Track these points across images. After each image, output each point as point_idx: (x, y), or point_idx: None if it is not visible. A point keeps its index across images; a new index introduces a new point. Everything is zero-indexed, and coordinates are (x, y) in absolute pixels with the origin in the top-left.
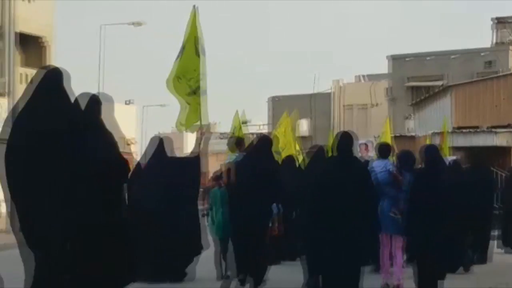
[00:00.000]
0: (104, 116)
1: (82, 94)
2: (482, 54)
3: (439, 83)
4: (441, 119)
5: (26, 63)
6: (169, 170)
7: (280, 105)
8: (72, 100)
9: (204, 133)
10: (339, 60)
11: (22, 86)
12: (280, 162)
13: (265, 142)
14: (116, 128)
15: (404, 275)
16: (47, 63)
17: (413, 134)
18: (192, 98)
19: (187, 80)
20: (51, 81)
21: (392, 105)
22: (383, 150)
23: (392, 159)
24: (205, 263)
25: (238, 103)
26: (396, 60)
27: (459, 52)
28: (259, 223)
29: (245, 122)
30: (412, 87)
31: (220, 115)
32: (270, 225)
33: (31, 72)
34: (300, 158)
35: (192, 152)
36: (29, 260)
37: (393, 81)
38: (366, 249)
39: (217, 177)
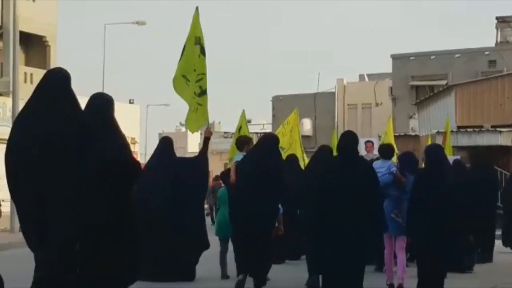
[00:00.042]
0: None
1: (95, 94)
2: (486, 53)
3: (442, 82)
4: (445, 118)
5: (29, 63)
6: (177, 170)
7: (283, 104)
8: (76, 100)
9: (210, 133)
10: (343, 59)
11: (25, 85)
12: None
13: (270, 140)
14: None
15: (407, 275)
16: (50, 62)
17: (416, 133)
18: (202, 98)
19: (196, 80)
20: (59, 82)
21: (395, 104)
22: (386, 151)
23: (395, 160)
24: (205, 263)
25: (240, 102)
26: (400, 59)
27: (463, 51)
28: (262, 223)
29: (248, 121)
30: (416, 86)
31: (222, 115)
32: (276, 224)
33: (34, 71)
34: (305, 158)
35: (200, 152)
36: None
37: (396, 80)
38: (369, 248)
39: (217, 176)
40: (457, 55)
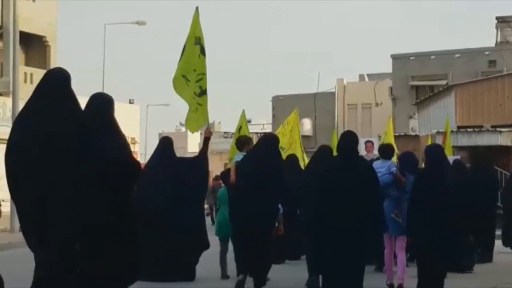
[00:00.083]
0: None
1: (95, 94)
2: (486, 53)
3: (442, 82)
4: (445, 118)
5: (29, 63)
6: (177, 170)
7: (283, 104)
8: (76, 100)
9: (210, 133)
10: (343, 59)
11: (25, 85)
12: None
13: (270, 140)
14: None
15: (407, 275)
16: (50, 62)
17: (416, 133)
18: (202, 98)
19: (196, 80)
20: (59, 82)
21: (395, 104)
22: (386, 151)
23: (395, 160)
24: (205, 263)
25: (240, 102)
26: (400, 59)
27: (463, 51)
28: (262, 223)
29: (248, 121)
30: (416, 86)
31: (222, 115)
32: (276, 224)
33: (34, 71)
34: (305, 158)
35: (200, 152)
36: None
37: (396, 80)
38: (369, 248)
39: (217, 176)
40: (457, 55)
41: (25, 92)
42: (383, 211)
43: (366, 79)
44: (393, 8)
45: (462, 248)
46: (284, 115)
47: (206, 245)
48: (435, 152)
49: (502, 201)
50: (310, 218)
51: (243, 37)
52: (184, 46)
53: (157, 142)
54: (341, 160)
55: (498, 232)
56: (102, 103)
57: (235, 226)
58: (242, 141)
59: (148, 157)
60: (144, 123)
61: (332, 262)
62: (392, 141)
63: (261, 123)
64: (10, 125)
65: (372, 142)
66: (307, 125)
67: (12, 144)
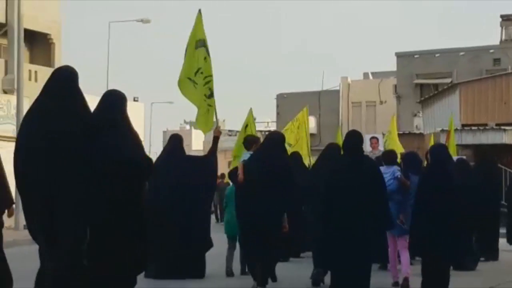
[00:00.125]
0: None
1: (108, 92)
2: (490, 51)
3: (447, 80)
4: (449, 116)
5: (33, 60)
6: (185, 168)
7: (287, 102)
8: (83, 98)
9: (220, 132)
10: (347, 57)
11: (30, 83)
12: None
13: (276, 138)
14: None
15: (411, 272)
16: (54, 60)
17: (421, 131)
18: (211, 100)
19: (205, 83)
20: (66, 81)
21: (399, 102)
22: (389, 157)
23: (399, 160)
24: (212, 262)
25: (245, 100)
26: (404, 57)
27: (467, 50)
28: (269, 221)
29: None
30: (420, 84)
31: (226, 113)
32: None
33: (38, 69)
34: (310, 155)
35: (209, 151)
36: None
37: (401, 78)
38: (375, 247)
39: (222, 175)
40: (461, 53)
41: (30, 90)
42: (389, 209)
43: (371, 77)
44: (397, 7)
45: (466, 247)
46: (288, 113)
47: (209, 244)
48: (439, 151)
49: (506, 200)
50: (316, 217)
51: (248, 36)
52: (186, 48)
53: (161, 139)
54: (347, 159)
55: (503, 231)
56: (115, 100)
57: (242, 224)
58: (249, 140)
59: (152, 155)
60: (148, 121)
61: (340, 260)
62: (396, 139)
63: (265, 121)
64: (15, 122)
65: (377, 138)
66: (311, 123)
67: (19, 144)
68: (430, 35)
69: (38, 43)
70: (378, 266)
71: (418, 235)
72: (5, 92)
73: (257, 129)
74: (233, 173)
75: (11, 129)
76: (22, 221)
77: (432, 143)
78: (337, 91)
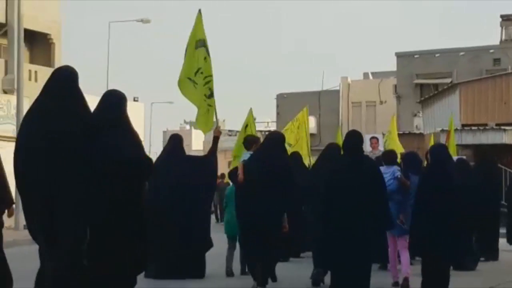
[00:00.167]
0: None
1: (108, 91)
2: (490, 51)
3: (447, 80)
4: (449, 116)
5: (33, 60)
6: (185, 168)
7: (287, 102)
8: (83, 98)
9: (220, 132)
10: (347, 57)
11: (30, 83)
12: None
13: (276, 138)
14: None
15: (411, 272)
16: (54, 60)
17: (421, 131)
18: (211, 100)
19: (205, 83)
20: (66, 81)
21: (399, 103)
22: (389, 157)
23: (399, 160)
24: (211, 262)
25: (245, 100)
26: (404, 57)
27: (467, 50)
28: (269, 222)
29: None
30: (420, 84)
31: (226, 113)
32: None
33: (38, 69)
34: (310, 155)
35: (209, 151)
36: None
37: (401, 78)
38: (374, 247)
39: (222, 175)
40: (461, 53)
41: (30, 89)
42: (389, 209)
43: (371, 77)
44: (398, 7)
45: (466, 247)
46: (288, 113)
47: (209, 244)
48: (439, 152)
49: (506, 200)
50: (316, 217)
51: (248, 36)
52: (186, 48)
53: (161, 139)
54: (346, 160)
55: (503, 231)
56: (115, 100)
57: (242, 224)
58: (250, 140)
59: (152, 155)
60: (148, 121)
61: (340, 260)
62: (396, 139)
63: (265, 121)
64: (15, 122)
65: (377, 138)
66: (311, 123)
67: (19, 144)
68: (430, 35)
69: (38, 43)
70: (378, 266)
71: (418, 235)
72: (5, 92)
73: (257, 129)
74: (233, 173)
75: (11, 129)
76: (22, 221)
77: (432, 143)
78: (337, 91)
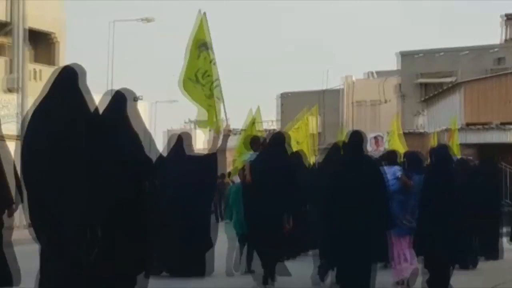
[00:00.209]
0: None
1: (118, 91)
2: (492, 50)
3: (449, 79)
4: (452, 115)
5: (37, 59)
6: (187, 167)
7: (291, 101)
8: (88, 97)
9: (230, 130)
10: (350, 57)
11: (32, 83)
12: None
13: (279, 139)
14: (141, 124)
15: (414, 271)
16: (58, 59)
17: (424, 130)
18: (212, 100)
19: (206, 82)
20: (68, 80)
21: (402, 102)
22: (390, 157)
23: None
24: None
25: (247, 100)
26: (406, 56)
27: (471, 49)
28: (273, 222)
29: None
30: (423, 84)
31: (229, 112)
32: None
33: (42, 68)
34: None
35: (211, 149)
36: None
37: (403, 77)
38: (377, 246)
39: (223, 174)
40: (464, 53)
41: (33, 89)
42: (390, 208)
43: (375, 76)
44: (402, 6)
45: (467, 246)
46: (291, 112)
47: (209, 244)
48: (441, 151)
49: (510, 198)
50: (319, 217)
51: (251, 35)
52: (187, 49)
53: (161, 139)
54: (349, 159)
55: (507, 229)
56: (118, 100)
57: (249, 224)
58: (255, 141)
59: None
60: (151, 120)
61: (342, 259)
62: (398, 139)
63: (269, 120)
64: (18, 121)
65: (380, 138)
66: (315, 122)
67: (24, 144)
68: (432, 34)
69: (42, 42)
70: (380, 265)
71: (421, 234)
72: (9, 91)
73: (257, 128)
74: (241, 173)
75: (14, 128)
76: (23, 220)
77: (435, 142)
78: (340, 91)
